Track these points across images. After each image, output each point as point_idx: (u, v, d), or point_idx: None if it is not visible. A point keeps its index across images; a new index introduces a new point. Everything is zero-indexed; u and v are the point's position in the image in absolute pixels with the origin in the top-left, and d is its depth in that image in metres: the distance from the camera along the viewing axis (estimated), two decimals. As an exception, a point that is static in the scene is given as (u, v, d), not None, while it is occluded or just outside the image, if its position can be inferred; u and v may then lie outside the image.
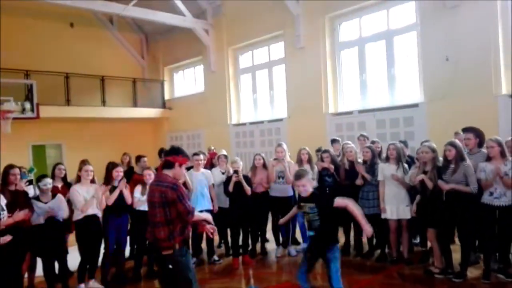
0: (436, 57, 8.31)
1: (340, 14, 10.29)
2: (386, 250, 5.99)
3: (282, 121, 11.50)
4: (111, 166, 5.52)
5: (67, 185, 5.80)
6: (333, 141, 7.63)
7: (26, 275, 5.24)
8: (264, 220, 6.67)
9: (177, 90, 15.87)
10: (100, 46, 14.83)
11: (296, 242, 6.89)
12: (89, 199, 5.14)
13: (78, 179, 5.35)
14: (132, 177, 6.34)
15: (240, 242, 6.25)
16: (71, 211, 5.27)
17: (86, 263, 5.24)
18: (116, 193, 5.39)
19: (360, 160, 6.13)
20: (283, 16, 11.01)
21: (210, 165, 7.43)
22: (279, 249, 6.58)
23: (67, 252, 5.34)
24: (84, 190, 5.18)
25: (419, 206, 5.29)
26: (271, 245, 6.88)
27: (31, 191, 5.54)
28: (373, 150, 6.06)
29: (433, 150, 5.16)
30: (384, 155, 6.09)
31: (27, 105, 11.12)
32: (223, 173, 6.56)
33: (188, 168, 6.39)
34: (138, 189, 5.72)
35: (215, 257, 6.37)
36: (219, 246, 7.05)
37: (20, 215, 4.38)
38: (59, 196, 5.27)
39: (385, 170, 5.68)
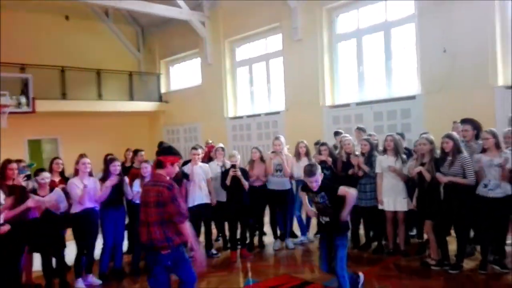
0: (434, 49, 8.30)
1: (337, 6, 10.24)
2: (383, 242, 6.02)
3: (279, 114, 11.47)
4: (109, 160, 5.51)
5: (64, 180, 5.77)
6: (336, 133, 7.63)
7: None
8: (261, 213, 6.68)
9: (174, 83, 15.79)
10: (95, 39, 14.72)
11: (293, 235, 6.91)
12: (85, 189, 5.10)
13: (76, 173, 5.33)
14: (129, 171, 6.32)
15: (238, 236, 6.27)
16: (69, 205, 5.25)
17: (82, 256, 5.23)
18: (108, 190, 5.32)
19: (357, 153, 6.13)
20: (280, 8, 10.94)
21: (208, 159, 7.43)
22: (277, 242, 6.59)
23: (65, 246, 5.32)
24: (81, 183, 5.16)
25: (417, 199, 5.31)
26: (269, 238, 6.90)
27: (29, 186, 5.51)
28: (371, 143, 6.07)
29: (431, 142, 5.16)
30: (381, 147, 6.10)
31: (23, 100, 11.06)
32: (221, 167, 6.55)
33: (186, 162, 6.40)
34: (137, 182, 5.71)
35: (213, 251, 6.39)
36: (216, 240, 7.06)
37: (29, 203, 4.62)
38: (57, 189, 5.24)
39: (383, 162, 5.69)
